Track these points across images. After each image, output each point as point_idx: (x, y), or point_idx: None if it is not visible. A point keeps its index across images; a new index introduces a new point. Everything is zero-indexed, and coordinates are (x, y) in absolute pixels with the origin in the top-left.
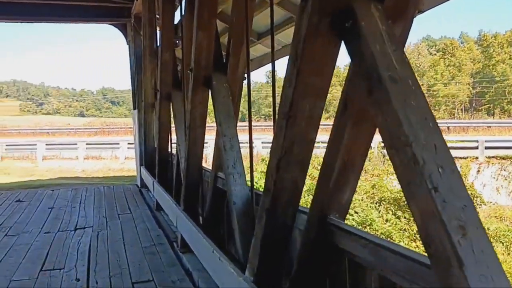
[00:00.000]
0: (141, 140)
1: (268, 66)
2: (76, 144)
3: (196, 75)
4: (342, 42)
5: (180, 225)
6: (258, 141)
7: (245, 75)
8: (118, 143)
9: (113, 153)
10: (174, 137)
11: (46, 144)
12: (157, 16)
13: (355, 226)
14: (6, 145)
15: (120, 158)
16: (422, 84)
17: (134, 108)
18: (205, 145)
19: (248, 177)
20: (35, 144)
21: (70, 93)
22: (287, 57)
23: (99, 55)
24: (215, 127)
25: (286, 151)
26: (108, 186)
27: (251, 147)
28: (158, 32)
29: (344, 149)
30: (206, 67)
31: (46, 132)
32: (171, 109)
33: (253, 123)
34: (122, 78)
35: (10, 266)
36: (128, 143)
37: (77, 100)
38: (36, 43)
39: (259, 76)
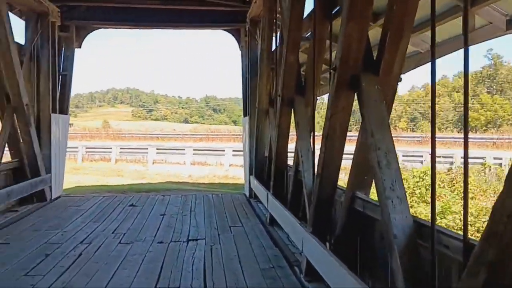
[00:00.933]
0: (252, 148)
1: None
2: (184, 149)
3: (341, 74)
4: None
5: (307, 250)
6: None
7: (401, 76)
8: (223, 150)
9: (218, 160)
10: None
11: (157, 149)
12: (278, 16)
13: None
14: (121, 148)
15: (225, 165)
16: None
17: (245, 115)
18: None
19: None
20: (147, 148)
21: (177, 101)
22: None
23: (204, 64)
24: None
25: None
26: (216, 194)
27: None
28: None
29: None
30: (354, 65)
31: (156, 136)
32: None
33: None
34: (224, 86)
35: (124, 280)
36: (233, 150)
37: (182, 107)
38: (147, 52)
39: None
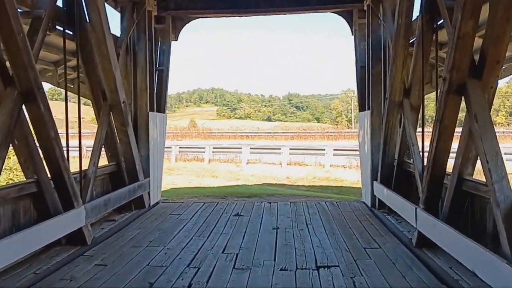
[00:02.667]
0: (374, 148)
1: None
2: (280, 149)
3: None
4: None
5: None
6: None
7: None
8: (323, 149)
9: (316, 160)
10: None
11: (250, 148)
12: None
13: None
14: (214, 148)
15: (325, 166)
16: None
17: (362, 110)
18: None
19: None
20: (240, 148)
21: (260, 99)
22: None
23: (285, 61)
24: None
25: None
26: (330, 201)
27: None
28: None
29: None
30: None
31: (246, 135)
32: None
33: None
34: (307, 83)
35: None
36: (334, 149)
37: (265, 106)
38: (231, 50)
39: None
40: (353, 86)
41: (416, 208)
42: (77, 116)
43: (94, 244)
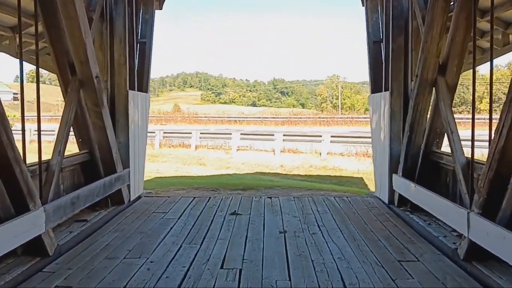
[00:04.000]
0: (393, 136)
1: None
2: (273, 135)
3: None
4: None
5: None
6: None
7: None
8: (320, 136)
9: (312, 147)
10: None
11: (241, 134)
12: None
13: None
14: (201, 133)
15: (322, 154)
16: None
17: (376, 91)
18: None
19: None
20: (230, 134)
21: (244, 84)
22: None
23: (269, 46)
24: None
25: None
26: (339, 196)
27: None
28: None
29: None
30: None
31: (234, 120)
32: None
33: None
34: (292, 68)
35: None
36: (331, 136)
37: (250, 91)
38: (216, 33)
39: None
40: (339, 71)
41: (468, 213)
42: (58, 99)
43: (58, 254)
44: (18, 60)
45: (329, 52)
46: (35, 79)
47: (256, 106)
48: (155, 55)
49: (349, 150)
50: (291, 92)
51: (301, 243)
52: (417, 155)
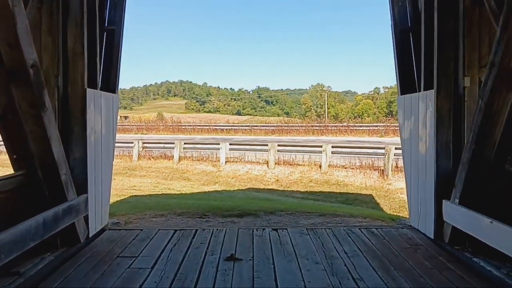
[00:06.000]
0: (441, 148)
1: None
2: (266, 145)
3: None
4: None
5: None
6: None
7: None
8: (320, 146)
9: (310, 158)
10: None
11: (230, 144)
12: None
13: None
14: (185, 143)
15: (323, 166)
16: None
17: (407, 91)
18: None
19: None
20: (218, 144)
21: (229, 93)
22: None
23: (255, 56)
24: None
25: None
26: (366, 228)
27: None
28: None
29: None
30: None
31: (220, 128)
32: None
33: None
34: (277, 78)
35: None
36: (332, 146)
37: (234, 100)
38: (201, 43)
39: None
40: (323, 80)
41: None
42: None
43: None
44: None
45: (313, 60)
46: None
47: (241, 115)
48: (138, 62)
49: (352, 162)
50: (276, 101)
51: None
52: (485, 176)
